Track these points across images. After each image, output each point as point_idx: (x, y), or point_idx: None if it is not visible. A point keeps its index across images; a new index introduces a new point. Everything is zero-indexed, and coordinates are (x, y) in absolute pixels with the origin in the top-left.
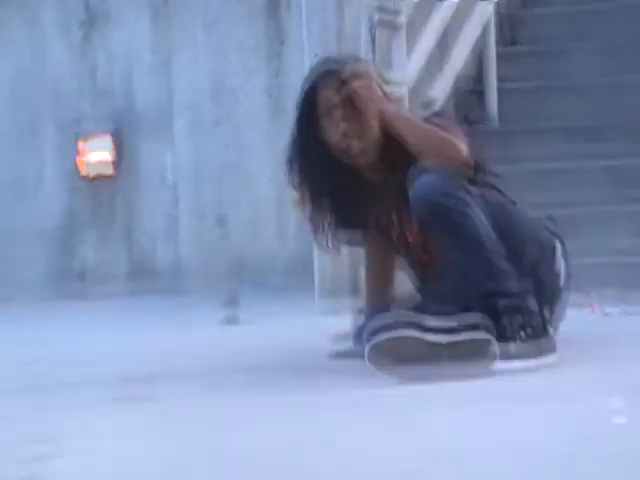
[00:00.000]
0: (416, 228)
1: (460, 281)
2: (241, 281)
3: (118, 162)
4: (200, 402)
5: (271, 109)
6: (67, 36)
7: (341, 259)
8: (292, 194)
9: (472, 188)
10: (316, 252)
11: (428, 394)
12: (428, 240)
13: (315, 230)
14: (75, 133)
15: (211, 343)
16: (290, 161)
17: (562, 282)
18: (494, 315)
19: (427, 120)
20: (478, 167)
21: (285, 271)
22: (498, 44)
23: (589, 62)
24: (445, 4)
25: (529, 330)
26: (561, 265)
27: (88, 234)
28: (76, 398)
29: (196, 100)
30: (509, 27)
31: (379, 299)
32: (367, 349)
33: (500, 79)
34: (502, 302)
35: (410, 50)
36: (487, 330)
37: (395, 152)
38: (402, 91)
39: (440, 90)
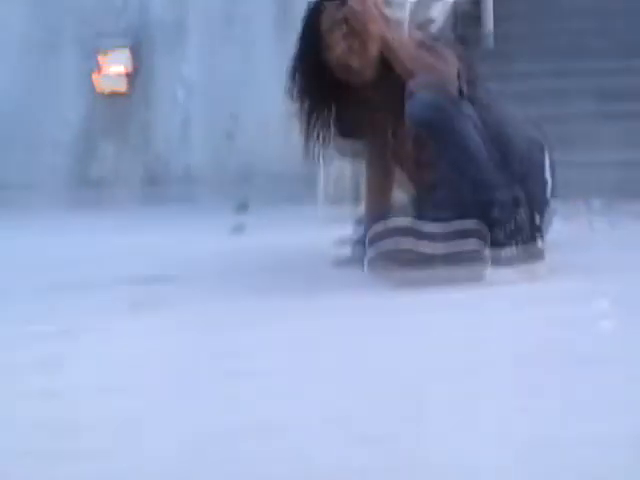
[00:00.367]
0: (411, 143)
1: (453, 192)
2: (249, 190)
3: (134, 76)
4: (209, 306)
5: (280, 27)
6: None
7: (343, 170)
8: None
9: (464, 103)
10: (321, 164)
11: (425, 299)
12: (422, 154)
13: (306, 139)
14: (94, 48)
15: (220, 247)
16: (293, 74)
17: (549, 191)
18: (486, 223)
19: (422, 44)
20: (470, 83)
21: (292, 182)
22: None
23: None
24: None
25: (519, 238)
26: (548, 173)
27: (104, 145)
28: (93, 299)
29: (209, 18)
30: None
31: (378, 208)
32: (366, 258)
33: (496, 2)
34: (493, 211)
35: None
36: (480, 237)
37: (392, 73)
38: (403, 13)
39: (439, 11)
